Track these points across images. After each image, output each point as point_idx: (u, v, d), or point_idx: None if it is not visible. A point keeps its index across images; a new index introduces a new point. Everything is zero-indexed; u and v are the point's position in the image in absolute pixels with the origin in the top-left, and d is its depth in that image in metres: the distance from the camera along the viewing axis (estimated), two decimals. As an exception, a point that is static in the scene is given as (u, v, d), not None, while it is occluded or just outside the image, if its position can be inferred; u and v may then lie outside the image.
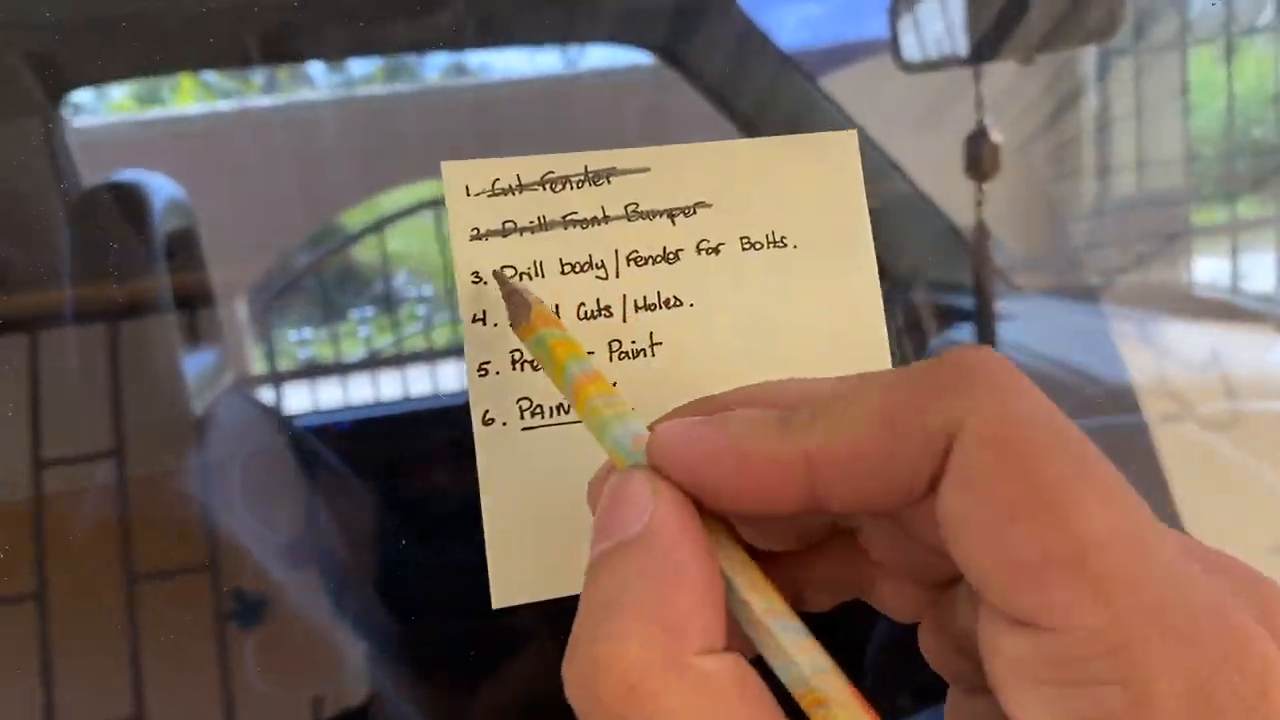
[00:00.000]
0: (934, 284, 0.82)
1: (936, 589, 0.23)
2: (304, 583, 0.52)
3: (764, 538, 0.23)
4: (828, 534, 0.24)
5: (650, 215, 0.28)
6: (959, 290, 0.82)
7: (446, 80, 1.14)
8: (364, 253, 1.27)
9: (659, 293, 0.28)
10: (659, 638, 0.18)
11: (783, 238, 0.29)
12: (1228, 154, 1.32)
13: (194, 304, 0.60)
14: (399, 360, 1.26)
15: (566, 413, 0.27)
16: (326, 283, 1.23)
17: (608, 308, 0.28)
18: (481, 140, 0.84)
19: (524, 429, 0.27)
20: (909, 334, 0.79)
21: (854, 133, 0.30)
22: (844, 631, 0.26)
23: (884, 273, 0.30)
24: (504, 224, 0.28)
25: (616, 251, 0.28)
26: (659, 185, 0.29)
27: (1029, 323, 0.87)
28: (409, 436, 0.78)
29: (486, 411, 0.27)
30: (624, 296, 0.28)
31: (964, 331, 0.79)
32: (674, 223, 0.29)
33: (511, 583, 0.27)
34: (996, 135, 0.74)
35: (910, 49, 0.80)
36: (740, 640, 0.20)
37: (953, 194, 0.81)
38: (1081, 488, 0.17)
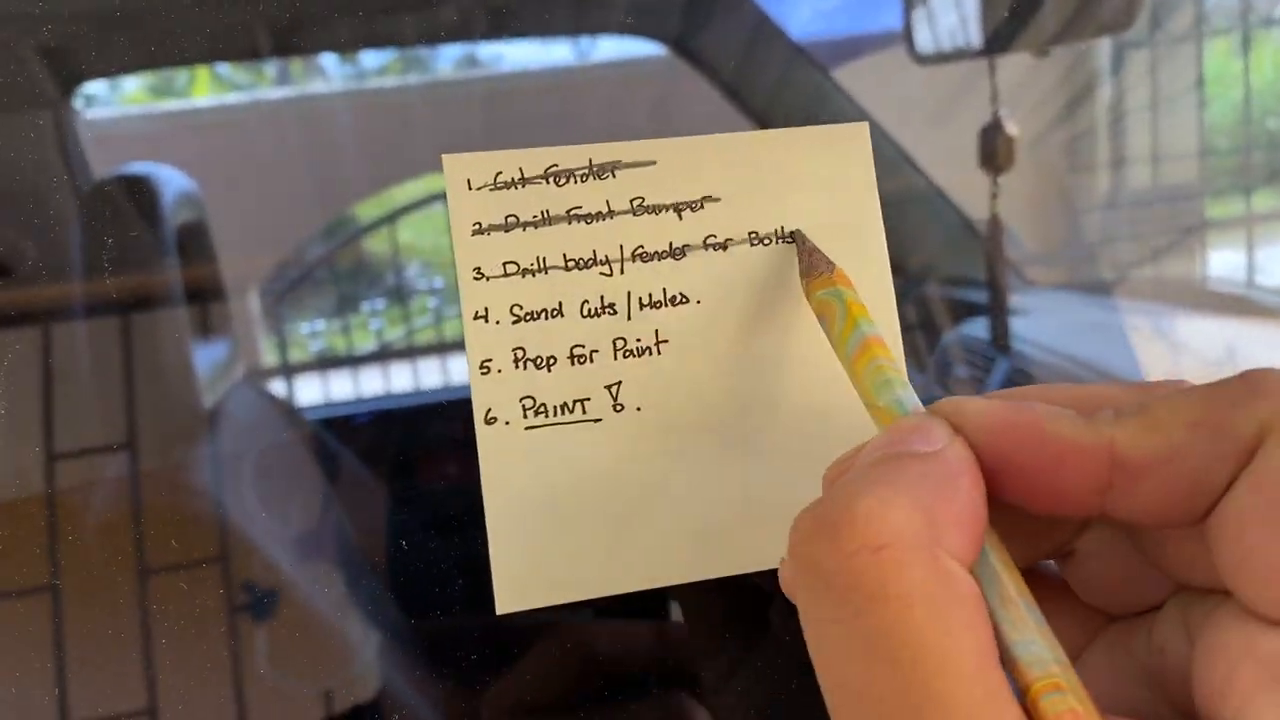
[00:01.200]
0: (947, 279, 0.81)
1: (1114, 621, 0.24)
2: (316, 576, 0.52)
3: None
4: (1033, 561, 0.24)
5: (656, 210, 0.28)
6: (972, 285, 0.82)
7: (458, 72, 1.14)
8: (376, 245, 1.27)
9: (665, 290, 0.28)
10: (923, 520, 0.18)
11: (792, 233, 0.29)
12: (1244, 147, 1.32)
13: (205, 297, 0.60)
14: (411, 353, 1.27)
15: (571, 412, 0.27)
16: (339, 275, 1.23)
17: (612, 305, 0.27)
18: (493, 132, 0.84)
19: (528, 428, 0.27)
20: (921, 329, 0.78)
21: (865, 125, 0.29)
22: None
23: (896, 267, 0.30)
24: (507, 219, 0.27)
25: (622, 247, 0.28)
26: (665, 179, 0.28)
27: (1042, 317, 0.87)
28: (421, 429, 0.78)
29: (489, 410, 0.27)
30: (629, 294, 0.27)
31: (978, 326, 0.79)
32: (681, 217, 0.28)
33: (517, 588, 0.27)
34: (1012, 128, 0.74)
35: (924, 41, 0.80)
36: None
37: (966, 187, 0.81)
38: None
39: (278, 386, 0.93)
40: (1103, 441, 0.19)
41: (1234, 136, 1.32)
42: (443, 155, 0.27)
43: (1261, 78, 1.29)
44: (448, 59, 1.15)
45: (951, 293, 0.80)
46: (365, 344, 1.24)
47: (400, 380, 1.26)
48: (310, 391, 1.06)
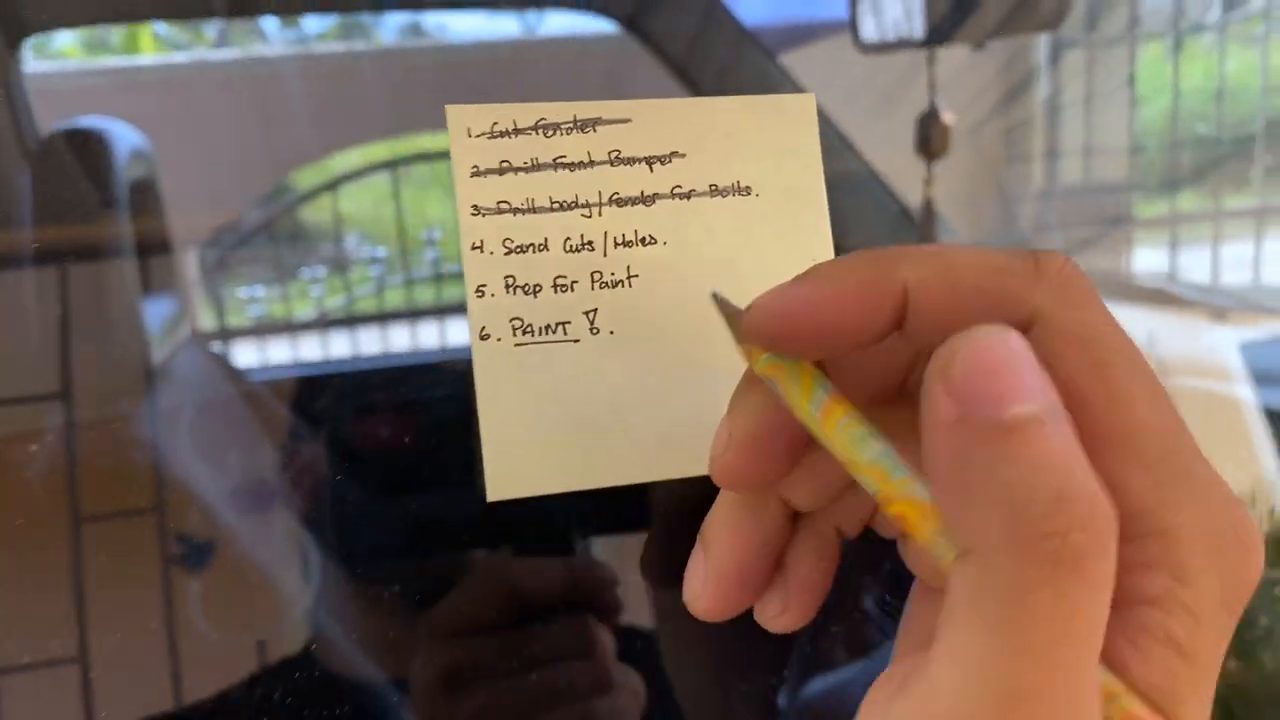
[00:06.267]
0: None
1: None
2: (251, 529, 0.52)
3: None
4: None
5: (631, 162, 0.32)
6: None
7: (404, 42, 1.13)
8: (317, 213, 1.26)
9: (636, 231, 0.32)
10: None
11: (747, 187, 0.33)
12: (1171, 148, 1.35)
13: (154, 254, 0.60)
14: (350, 321, 1.26)
15: (554, 332, 0.31)
16: (279, 241, 1.21)
17: (590, 242, 0.31)
18: (438, 103, 0.84)
19: (516, 345, 0.31)
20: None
21: (812, 96, 0.33)
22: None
23: (834, 249, 0.33)
24: (501, 164, 0.31)
25: (600, 193, 0.32)
26: (639, 135, 0.32)
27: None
28: (360, 395, 0.78)
29: (484, 328, 0.30)
30: (605, 233, 0.31)
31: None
32: (651, 169, 0.32)
33: (505, 481, 0.31)
34: (948, 117, 0.76)
35: (869, 30, 0.81)
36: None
37: (906, 174, 0.82)
38: (1136, 387, 0.21)
39: (217, 349, 0.92)
40: (896, 281, 0.22)
41: (1162, 138, 1.36)
42: (447, 106, 0.31)
43: (1190, 82, 1.33)
44: (391, 28, 1.14)
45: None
46: (305, 311, 1.24)
47: (339, 349, 1.25)
48: (249, 356, 1.05)
